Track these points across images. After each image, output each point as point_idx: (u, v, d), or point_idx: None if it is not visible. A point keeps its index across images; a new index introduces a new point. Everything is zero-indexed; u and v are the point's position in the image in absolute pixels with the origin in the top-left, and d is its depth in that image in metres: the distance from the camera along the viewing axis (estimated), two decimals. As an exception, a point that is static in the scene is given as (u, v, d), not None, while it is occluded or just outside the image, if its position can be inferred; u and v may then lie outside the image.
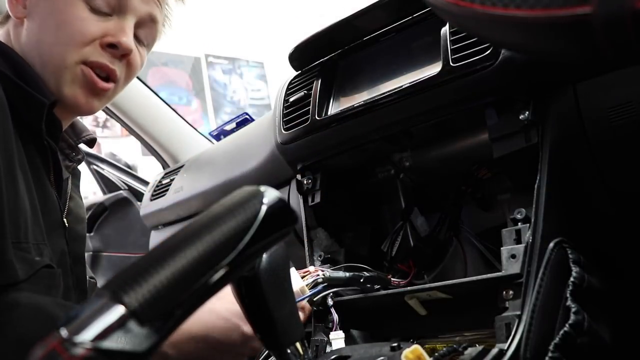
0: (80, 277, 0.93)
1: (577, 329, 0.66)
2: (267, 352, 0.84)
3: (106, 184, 2.05)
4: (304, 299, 0.82)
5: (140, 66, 0.92)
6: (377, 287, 0.91)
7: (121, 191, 1.98)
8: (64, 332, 0.34)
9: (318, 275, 0.85)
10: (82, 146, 1.00)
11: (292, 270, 0.83)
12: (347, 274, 0.87)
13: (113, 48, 0.84)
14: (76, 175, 0.98)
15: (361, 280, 0.86)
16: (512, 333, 0.65)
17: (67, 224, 0.90)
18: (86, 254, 1.00)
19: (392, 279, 0.94)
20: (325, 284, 0.85)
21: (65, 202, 0.91)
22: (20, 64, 0.82)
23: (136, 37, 0.89)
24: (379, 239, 1.07)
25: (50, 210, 0.84)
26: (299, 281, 0.82)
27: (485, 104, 0.82)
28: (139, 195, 1.90)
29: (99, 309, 0.36)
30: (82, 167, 1.04)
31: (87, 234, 1.80)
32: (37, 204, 0.79)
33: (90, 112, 0.90)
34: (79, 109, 0.88)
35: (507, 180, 0.92)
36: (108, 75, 0.86)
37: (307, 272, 0.86)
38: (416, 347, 0.61)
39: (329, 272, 0.86)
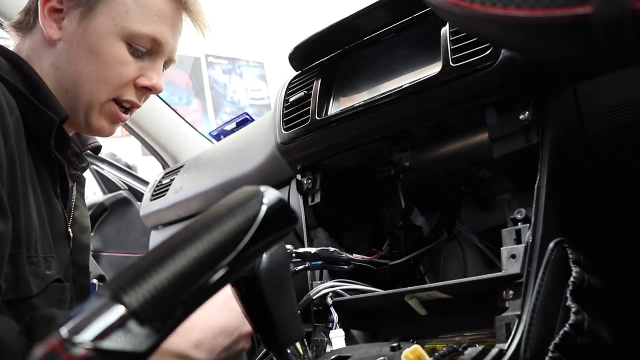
0: (84, 286, 0.93)
1: (577, 329, 0.66)
2: (266, 351, 0.84)
3: (106, 184, 2.05)
4: None
5: None
6: (344, 267, 0.94)
7: (121, 191, 1.98)
8: (63, 332, 0.34)
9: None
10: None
11: None
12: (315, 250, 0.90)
13: (146, 89, 0.89)
14: (80, 183, 1.00)
15: (312, 253, 0.89)
16: (512, 333, 0.65)
17: (71, 234, 0.90)
18: (86, 255, 1.00)
19: (355, 254, 0.96)
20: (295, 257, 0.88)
21: (70, 212, 0.92)
22: (35, 81, 0.83)
23: None
24: (379, 239, 1.07)
25: (56, 221, 0.85)
26: None
27: (485, 104, 0.82)
28: (139, 195, 1.90)
29: (99, 309, 0.36)
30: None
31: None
32: (44, 216, 0.80)
33: (109, 135, 0.94)
34: (102, 135, 0.94)
35: (507, 180, 0.92)
36: (132, 107, 0.91)
37: None
38: (416, 347, 0.61)
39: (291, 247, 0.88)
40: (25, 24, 0.88)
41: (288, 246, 0.85)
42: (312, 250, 0.90)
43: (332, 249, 0.93)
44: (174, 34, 0.90)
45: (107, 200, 1.99)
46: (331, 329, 0.84)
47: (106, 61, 0.84)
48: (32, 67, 0.84)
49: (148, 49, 0.87)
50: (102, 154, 2.16)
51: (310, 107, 1.01)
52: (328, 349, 0.82)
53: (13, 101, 0.76)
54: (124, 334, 0.35)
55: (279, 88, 1.14)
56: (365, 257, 0.98)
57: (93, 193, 2.11)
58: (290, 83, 1.11)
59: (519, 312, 0.67)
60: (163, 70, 0.94)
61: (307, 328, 0.85)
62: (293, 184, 1.12)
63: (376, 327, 0.91)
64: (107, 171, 2.05)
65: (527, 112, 0.78)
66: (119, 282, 0.37)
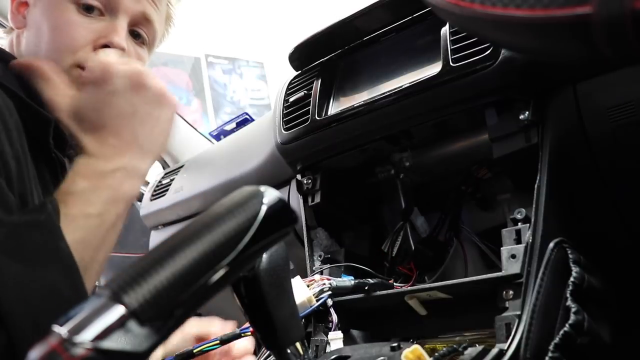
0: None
1: (577, 329, 0.66)
2: (267, 352, 0.84)
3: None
4: (311, 310, 0.82)
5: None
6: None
7: (121, 191, 1.98)
8: (64, 332, 0.34)
9: (324, 284, 0.84)
10: None
11: (298, 280, 0.83)
12: (352, 282, 0.87)
13: (106, 48, 0.84)
14: None
15: (365, 288, 0.86)
16: (512, 333, 0.65)
17: None
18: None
19: (395, 283, 0.94)
20: (331, 292, 0.85)
21: None
22: (27, 80, 0.82)
23: (134, 38, 0.89)
24: (379, 239, 1.07)
25: None
26: (305, 291, 0.82)
27: (485, 104, 0.82)
28: (139, 195, 1.90)
29: (99, 309, 0.36)
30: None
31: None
32: None
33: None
34: None
35: (507, 180, 0.92)
36: None
37: (312, 280, 0.86)
38: (416, 347, 0.61)
39: (335, 282, 0.86)
40: (10, 27, 0.91)
41: (327, 282, 0.84)
42: (370, 281, 0.88)
43: (372, 280, 0.89)
44: None
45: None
46: (331, 329, 0.84)
47: (56, 26, 0.82)
48: None
49: (103, 5, 0.83)
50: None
51: (310, 107, 1.01)
52: (328, 349, 0.82)
53: (11, 103, 0.76)
54: (124, 334, 0.35)
55: (279, 88, 1.14)
56: (404, 285, 0.94)
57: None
58: (290, 83, 1.11)
59: (519, 312, 0.67)
60: (147, 42, 0.91)
61: (307, 328, 0.85)
62: (293, 184, 1.12)
63: (376, 327, 0.91)
64: (107, 171, 2.04)
65: (527, 112, 0.78)
66: (119, 282, 0.37)
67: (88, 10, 0.83)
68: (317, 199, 1.02)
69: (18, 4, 0.86)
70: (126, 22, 0.86)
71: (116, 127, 0.75)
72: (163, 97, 0.80)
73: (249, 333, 0.80)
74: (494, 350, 0.64)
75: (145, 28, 0.90)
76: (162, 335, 0.37)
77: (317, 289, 0.84)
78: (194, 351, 0.80)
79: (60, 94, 0.78)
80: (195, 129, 1.95)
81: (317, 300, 0.83)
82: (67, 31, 0.82)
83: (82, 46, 0.83)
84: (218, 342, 0.81)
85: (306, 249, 1.01)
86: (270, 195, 0.44)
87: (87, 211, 0.69)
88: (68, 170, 0.89)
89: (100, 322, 0.35)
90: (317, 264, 0.99)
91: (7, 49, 0.88)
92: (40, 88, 0.78)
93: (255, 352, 0.93)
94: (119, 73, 0.76)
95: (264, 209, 0.43)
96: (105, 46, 0.83)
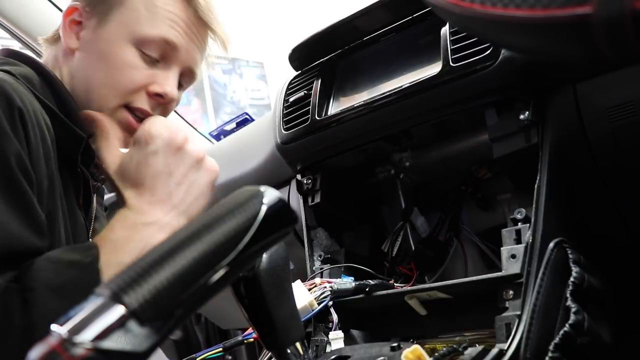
0: None
1: (577, 329, 0.66)
2: (267, 352, 0.85)
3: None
4: (313, 314, 0.82)
5: (174, 109, 0.94)
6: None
7: (121, 191, 1.98)
8: (63, 332, 0.34)
9: (325, 287, 0.85)
10: None
11: (299, 284, 0.83)
12: (353, 284, 0.87)
13: (158, 96, 0.87)
14: (100, 194, 1.01)
15: (366, 290, 0.86)
16: (512, 333, 0.65)
17: None
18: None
19: (395, 284, 0.94)
20: (333, 296, 0.85)
21: (91, 223, 0.93)
22: (64, 98, 0.84)
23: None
24: (379, 239, 1.07)
25: (78, 233, 0.86)
26: (307, 295, 0.82)
27: (485, 104, 0.83)
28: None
29: (99, 309, 0.36)
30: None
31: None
32: (69, 229, 0.81)
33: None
34: None
35: (507, 180, 0.92)
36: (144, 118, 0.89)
37: (313, 284, 0.86)
38: (416, 347, 0.61)
39: (336, 285, 0.86)
40: (53, 37, 0.92)
41: (328, 285, 0.84)
42: (370, 282, 0.88)
43: (372, 281, 0.89)
44: (189, 40, 0.88)
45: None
46: (331, 329, 0.84)
47: (116, 66, 0.84)
48: (57, 77, 0.86)
49: (160, 55, 0.86)
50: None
51: (310, 107, 1.01)
52: (328, 349, 0.82)
53: (49, 121, 0.78)
54: (124, 334, 0.35)
55: (279, 88, 1.14)
56: (405, 285, 0.94)
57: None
58: (290, 83, 1.11)
59: (519, 312, 0.67)
60: (185, 87, 0.93)
61: (307, 328, 0.85)
62: (293, 184, 1.12)
63: (376, 327, 0.91)
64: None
65: (527, 112, 0.78)
66: (119, 282, 0.37)
67: (147, 56, 0.85)
68: (317, 199, 1.02)
69: (70, 22, 0.87)
70: (178, 73, 0.89)
71: (152, 185, 0.79)
72: (201, 162, 0.82)
73: (252, 339, 0.80)
74: (494, 350, 0.64)
75: (188, 78, 0.93)
76: (162, 335, 0.37)
77: (319, 293, 0.84)
78: (197, 359, 0.80)
79: (113, 153, 0.82)
80: (195, 129, 1.94)
81: (319, 304, 0.83)
82: (125, 73, 0.84)
83: (137, 89, 0.85)
84: (221, 349, 0.81)
85: (306, 249, 1.01)
86: (270, 195, 0.44)
87: (120, 259, 0.72)
88: (91, 184, 0.90)
89: (100, 322, 0.35)
90: (317, 264, 0.99)
91: (47, 63, 0.89)
92: (98, 144, 0.82)
93: (257, 353, 0.93)
94: (160, 136, 0.80)
95: (264, 209, 0.43)
96: (158, 94, 0.86)
